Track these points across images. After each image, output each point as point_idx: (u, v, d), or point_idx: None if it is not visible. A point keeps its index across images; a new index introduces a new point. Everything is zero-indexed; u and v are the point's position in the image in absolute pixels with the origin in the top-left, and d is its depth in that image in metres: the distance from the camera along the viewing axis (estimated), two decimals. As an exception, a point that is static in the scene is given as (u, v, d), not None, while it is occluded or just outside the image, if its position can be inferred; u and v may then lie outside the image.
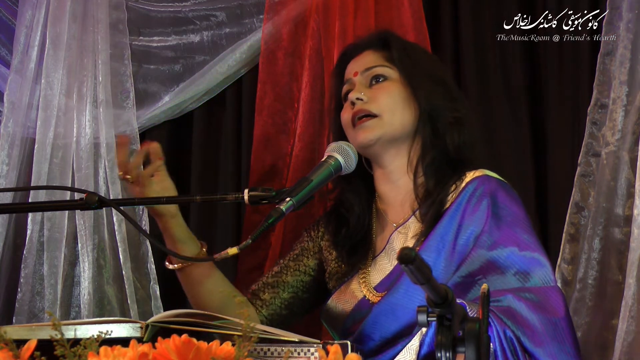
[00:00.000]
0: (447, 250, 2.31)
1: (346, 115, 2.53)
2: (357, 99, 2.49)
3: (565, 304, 2.24)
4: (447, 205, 2.39)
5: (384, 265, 2.46)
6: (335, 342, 1.75)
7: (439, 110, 2.47)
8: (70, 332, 1.87)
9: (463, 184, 2.40)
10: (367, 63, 2.55)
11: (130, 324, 1.92)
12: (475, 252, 2.29)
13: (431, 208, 2.40)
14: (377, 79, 2.52)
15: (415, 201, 2.46)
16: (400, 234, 2.47)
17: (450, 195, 2.41)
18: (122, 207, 2.52)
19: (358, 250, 2.52)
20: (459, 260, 2.30)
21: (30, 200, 3.07)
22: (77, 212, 3.09)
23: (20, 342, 1.62)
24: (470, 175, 2.42)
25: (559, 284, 2.77)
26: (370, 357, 2.31)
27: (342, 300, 2.48)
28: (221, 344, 1.56)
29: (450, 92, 2.53)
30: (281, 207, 2.23)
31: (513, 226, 2.32)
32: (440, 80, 2.54)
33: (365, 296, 2.43)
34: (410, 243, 2.42)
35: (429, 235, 2.35)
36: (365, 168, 2.56)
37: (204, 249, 2.55)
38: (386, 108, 2.48)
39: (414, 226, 2.45)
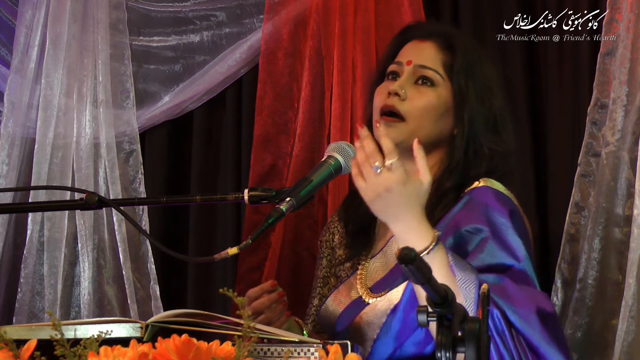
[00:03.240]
0: None
1: (379, 98, 2.46)
2: (396, 93, 2.42)
3: (553, 308, 2.23)
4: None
5: (381, 266, 2.45)
6: (335, 342, 1.75)
7: (475, 138, 2.41)
8: (70, 332, 1.87)
9: (464, 191, 2.39)
10: (425, 59, 2.46)
11: (130, 324, 1.92)
12: (473, 258, 2.26)
13: (435, 217, 2.38)
14: (425, 80, 2.45)
15: None
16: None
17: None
18: (122, 207, 2.51)
19: (362, 235, 2.51)
20: None
21: (30, 200, 3.07)
22: (77, 212, 3.09)
23: (20, 342, 1.62)
24: (472, 185, 2.38)
25: (558, 284, 2.78)
26: None
27: (337, 301, 2.47)
28: (221, 344, 1.56)
29: (495, 121, 2.44)
30: (281, 207, 2.22)
31: (507, 236, 2.28)
32: (490, 104, 2.44)
33: (361, 297, 2.43)
34: None
35: None
36: None
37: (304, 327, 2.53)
38: (416, 116, 2.41)
39: None
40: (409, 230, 2.13)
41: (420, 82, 2.45)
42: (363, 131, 2.16)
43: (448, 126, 2.44)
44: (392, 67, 2.50)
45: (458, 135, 2.42)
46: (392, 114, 2.42)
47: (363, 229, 2.52)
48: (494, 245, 2.26)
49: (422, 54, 2.48)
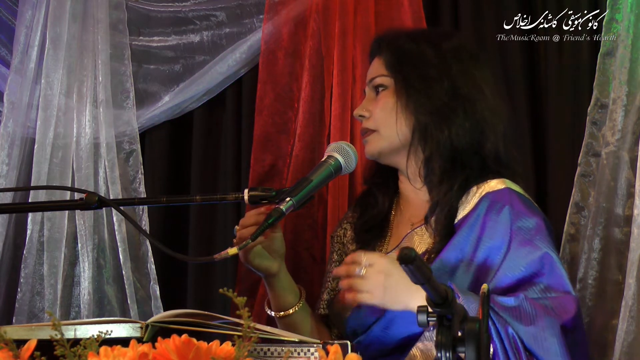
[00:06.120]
0: (465, 262, 2.30)
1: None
2: (360, 116, 2.53)
3: (577, 311, 2.24)
4: (464, 214, 2.37)
5: None
6: (335, 342, 1.75)
7: (432, 114, 2.43)
8: (70, 332, 1.87)
9: (483, 193, 2.39)
10: (372, 73, 2.56)
11: (130, 324, 1.92)
12: (499, 272, 2.27)
13: (441, 217, 2.39)
14: (379, 88, 2.52)
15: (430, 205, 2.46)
16: (417, 235, 2.47)
17: (465, 202, 2.39)
18: (122, 207, 2.51)
19: (373, 230, 2.54)
20: (477, 274, 2.29)
21: (30, 200, 3.07)
22: (77, 212, 3.09)
23: (20, 342, 1.62)
24: (489, 186, 2.38)
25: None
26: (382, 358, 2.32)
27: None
28: (221, 344, 1.56)
29: (453, 97, 2.44)
30: (281, 207, 2.23)
31: (536, 240, 2.29)
32: (439, 85, 2.45)
33: None
34: (424, 247, 2.42)
35: (447, 245, 2.34)
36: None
37: (303, 294, 2.54)
38: (381, 122, 2.48)
39: (430, 231, 2.44)
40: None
41: (377, 92, 2.53)
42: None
43: (413, 117, 2.47)
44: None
45: (416, 120, 2.45)
46: (366, 131, 2.52)
47: (378, 223, 2.54)
48: (518, 254, 2.28)
49: (371, 70, 2.58)
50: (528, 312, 2.17)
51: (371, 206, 2.58)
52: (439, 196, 2.40)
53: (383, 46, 2.56)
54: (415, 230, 2.48)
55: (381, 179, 2.59)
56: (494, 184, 2.39)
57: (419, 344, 2.31)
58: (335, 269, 2.37)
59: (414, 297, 2.17)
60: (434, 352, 2.22)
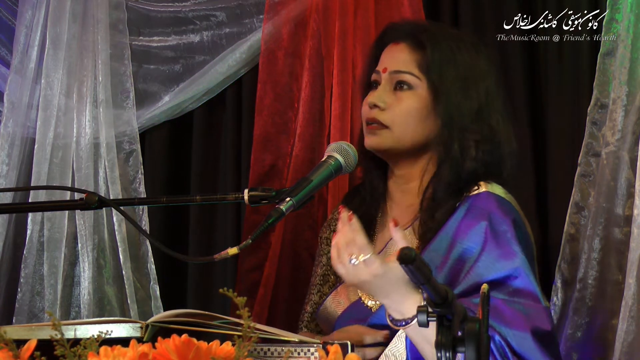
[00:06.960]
0: (439, 263, 2.28)
1: (364, 110, 2.47)
2: (375, 105, 2.43)
3: (552, 323, 2.24)
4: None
5: None
6: (335, 342, 1.75)
7: (460, 131, 2.38)
8: (70, 332, 1.87)
9: (463, 196, 2.36)
10: (397, 64, 2.45)
11: (130, 324, 1.92)
12: (471, 273, 2.25)
13: (428, 227, 2.36)
14: (401, 85, 2.43)
15: (419, 209, 2.44)
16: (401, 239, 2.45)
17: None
18: (122, 207, 2.51)
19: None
20: (450, 275, 2.27)
21: (30, 200, 3.07)
22: (77, 212, 3.09)
23: (20, 342, 1.62)
24: (473, 190, 2.36)
25: (558, 284, 2.77)
26: None
27: (336, 302, 2.47)
28: (221, 344, 1.56)
29: (480, 110, 2.40)
30: (281, 207, 2.22)
31: (511, 244, 2.27)
32: (473, 94, 2.40)
33: (360, 298, 2.43)
34: None
35: (424, 249, 2.32)
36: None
37: None
38: (399, 121, 2.40)
39: (412, 236, 2.42)
40: (391, 305, 2.13)
41: (398, 87, 2.44)
42: (343, 214, 2.17)
43: (435, 126, 2.42)
44: (373, 77, 2.50)
45: (440, 132, 2.41)
46: (376, 123, 2.42)
47: (364, 226, 2.51)
48: (492, 256, 2.26)
49: (396, 58, 2.46)
50: (506, 312, 2.16)
51: (357, 208, 2.51)
52: (434, 206, 2.37)
53: (423, 39, 2.43)
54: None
55: (375, 178, 2.53)
56: (475, 188, 2.37)
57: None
58: (336, 237, 2.17)
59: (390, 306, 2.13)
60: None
